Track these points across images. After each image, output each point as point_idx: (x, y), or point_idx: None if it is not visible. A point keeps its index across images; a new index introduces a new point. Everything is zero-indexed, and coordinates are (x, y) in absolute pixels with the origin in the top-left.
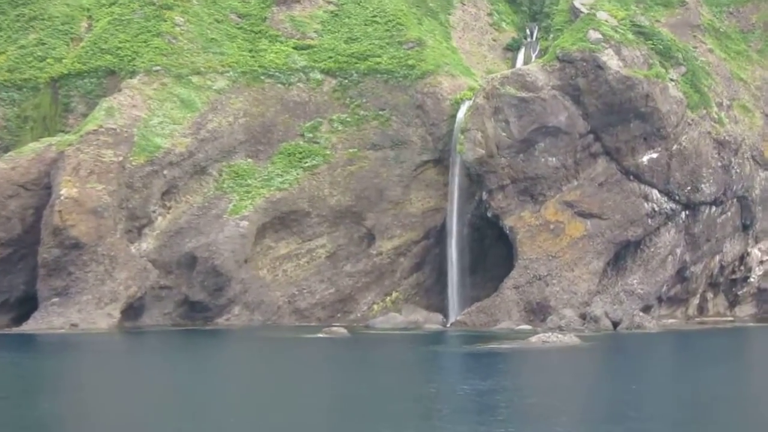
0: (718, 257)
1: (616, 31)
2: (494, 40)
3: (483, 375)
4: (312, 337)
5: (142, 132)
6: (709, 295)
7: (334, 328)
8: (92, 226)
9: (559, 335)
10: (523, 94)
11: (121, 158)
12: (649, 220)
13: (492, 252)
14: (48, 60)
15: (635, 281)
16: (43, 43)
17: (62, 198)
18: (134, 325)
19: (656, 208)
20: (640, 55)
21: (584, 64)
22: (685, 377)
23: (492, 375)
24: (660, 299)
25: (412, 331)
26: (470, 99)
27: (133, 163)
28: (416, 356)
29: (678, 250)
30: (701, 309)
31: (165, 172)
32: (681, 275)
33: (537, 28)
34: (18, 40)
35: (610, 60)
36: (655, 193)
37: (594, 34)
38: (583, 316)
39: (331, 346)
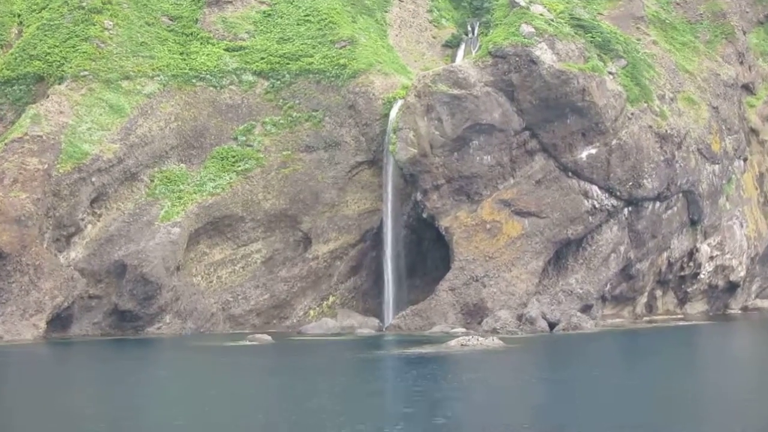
0: (665, 254)
1: (550, 25)
2: (433, 37)
3: (368, 380)
4: (236, 345)
5: (70, 138)
6: (658, 292)
7: (259, 336)
8: (15, 235)
9: (480, 338)
10: (456, 92)
11: (46, 166)
12: (590, 218)
13: (431, 254)
14: None
15: (575, 281)
16: None
17: None
18: (62, 335)
19: (597, 205)
20: (576, 48)
21: (517, 59)
22: (576, 381)
23: (378, 379)
24: (604, 298)
25: (343, 336)
26: (403, 98)
27: (60, 171)
28: (321, 363)
29: (621, 248)
30: (650, 307)
31: (93, 179)
32: (626, 273)
33: (478, 23)
34: None
35: (544, 54)
36: (595, 190)
37: (527, 28)
38: (520, 318)
39: (250, 353)
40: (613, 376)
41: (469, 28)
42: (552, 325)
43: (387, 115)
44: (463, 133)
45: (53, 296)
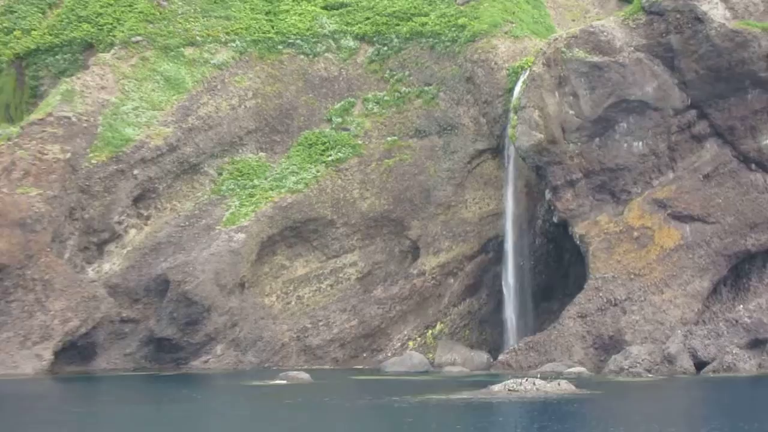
0: None
1: None
2: None
3: None
4: (266, 384)
5: (109, 120)
6: None
7: (293, 374)
8: (17, 242)
9: (540, 381)
10: (597, 59)
11: (69, 155)
12: None
13: (573, 270)
14: (15, 32)
15: (751, 307)
16: (11, 11)
17: None
18: (83, 369)
19: None
20: (761, 1)
21: (678, 16)
22: None
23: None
24: None
25: (424, 376)
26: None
27: (92, 161)
28: (313, 410)
29: None
30: None
31: (135, 171)
32: None
33: None
34: None
35: (713, 10)
36: None
37: None
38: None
39: (265, 396)
40: None
41: None
42: (702, 365)
43: (511, 90)
44: (605, 113)
45: (65, 319)
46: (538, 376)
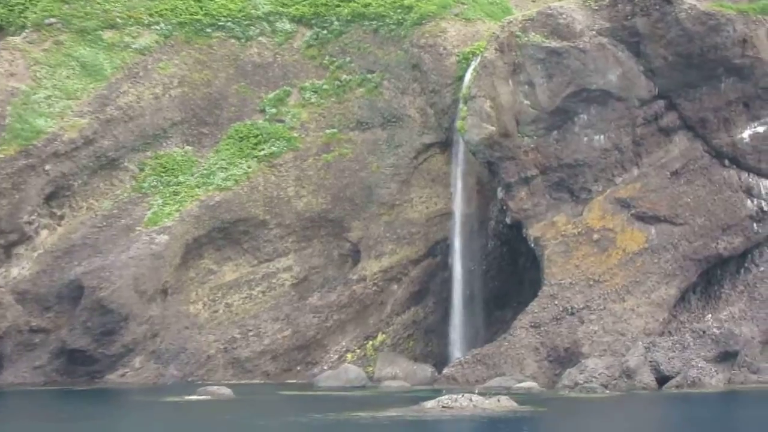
0: None
1: None
2: None
3: None
4: (182, 400)
5: (19, 111)
6: None
7: (214, 389)
8: None
9: (476, 398)
10: (555, 44)
11: None
12: (755, 225)
13: (529, 275)
14: None
15: (722, 317)
16: None
17: None
18: None
19: (767, 208)
20: None
21: None
22: None
23: None
24: None
25: (353, 391)
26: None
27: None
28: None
29: None
30: None
31: (47, 166)
32: None
33: None
34: None
35: None
36: (764, 185)
37: None
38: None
39: (177, 414)
40: None
41: None
42: (665, 380)
43: (462, 78)
44: (564, 104)
45: None
46: (476, 391)
